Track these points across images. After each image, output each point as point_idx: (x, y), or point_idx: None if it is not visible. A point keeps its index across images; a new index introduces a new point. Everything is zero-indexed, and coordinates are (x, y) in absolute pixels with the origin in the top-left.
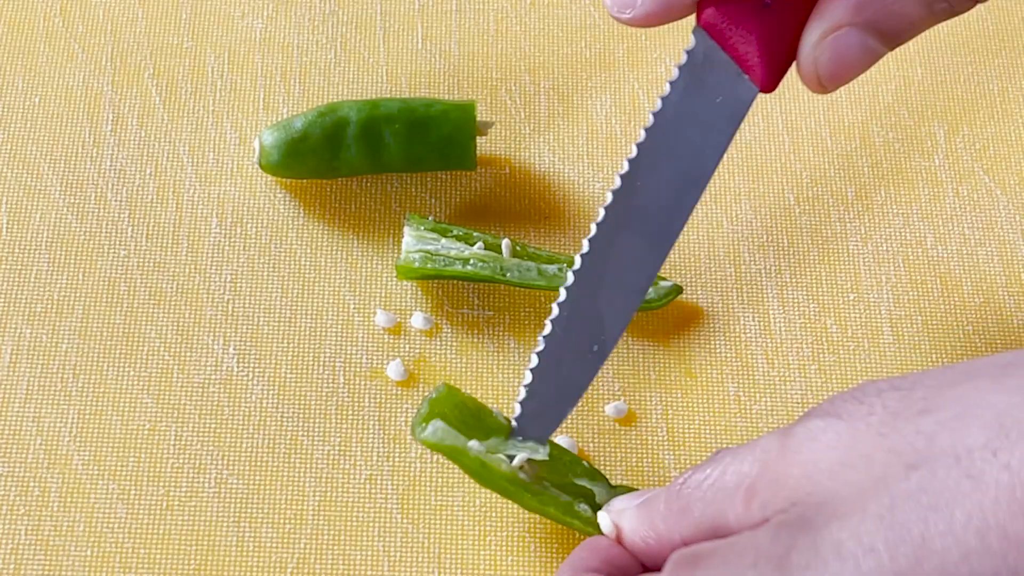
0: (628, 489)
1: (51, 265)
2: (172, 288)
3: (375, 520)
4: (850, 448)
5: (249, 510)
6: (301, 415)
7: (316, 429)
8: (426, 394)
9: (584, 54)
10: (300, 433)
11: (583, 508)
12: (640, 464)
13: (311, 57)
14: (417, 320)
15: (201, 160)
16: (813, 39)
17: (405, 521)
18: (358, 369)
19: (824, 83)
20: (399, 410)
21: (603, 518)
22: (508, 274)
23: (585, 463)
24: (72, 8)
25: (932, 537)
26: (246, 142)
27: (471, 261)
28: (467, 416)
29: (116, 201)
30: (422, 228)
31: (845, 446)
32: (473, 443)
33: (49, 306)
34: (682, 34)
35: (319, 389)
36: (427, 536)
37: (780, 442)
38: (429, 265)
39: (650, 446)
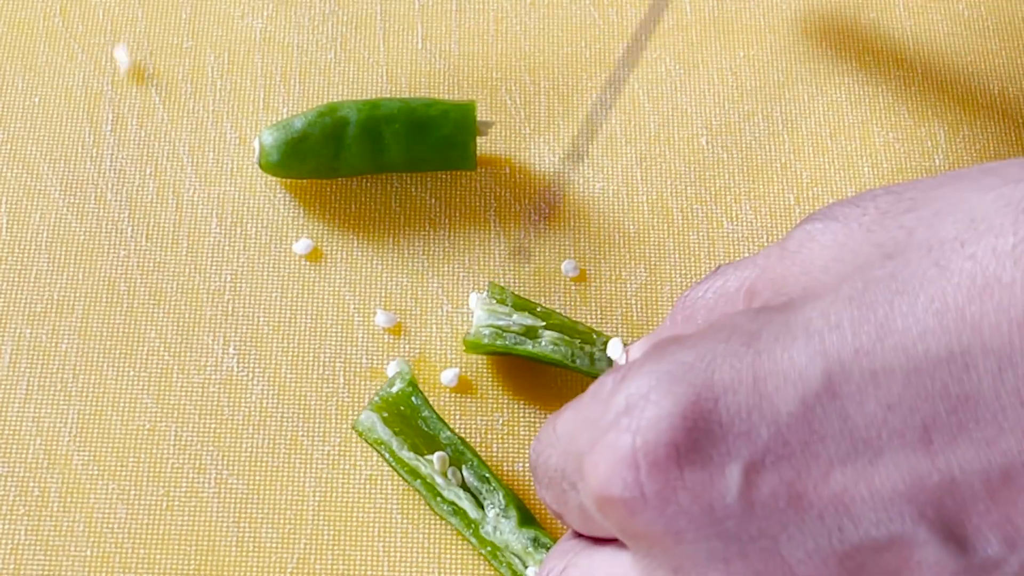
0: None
1: (51, 265)
2: (172, 288)
3: (375, 520)
4: (842, 245)
5: (249, 510)
6: (301, 415)
7: (316, 429)
8: (383, 388)
9: (584, 54)
10: (300, 433)
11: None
12: None
13: (311, 57)
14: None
15: (201, 160)
16: None
17: (405, 521)
18: (358, 369)
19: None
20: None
21: (614, 348)
22: (577, 361)
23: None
24: (72, 8)
25: (895, 317)
26: (246, 142)
27: (542, 343)
28: (408, 426)
29: (116, 201)
30: (494, 302)
31: (839, 244)
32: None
33: (49, 306)
34: (682, 33)
35: (319, 389)
36: (427, 536)
37: (780, 246)
38: (499, 342)
39: None
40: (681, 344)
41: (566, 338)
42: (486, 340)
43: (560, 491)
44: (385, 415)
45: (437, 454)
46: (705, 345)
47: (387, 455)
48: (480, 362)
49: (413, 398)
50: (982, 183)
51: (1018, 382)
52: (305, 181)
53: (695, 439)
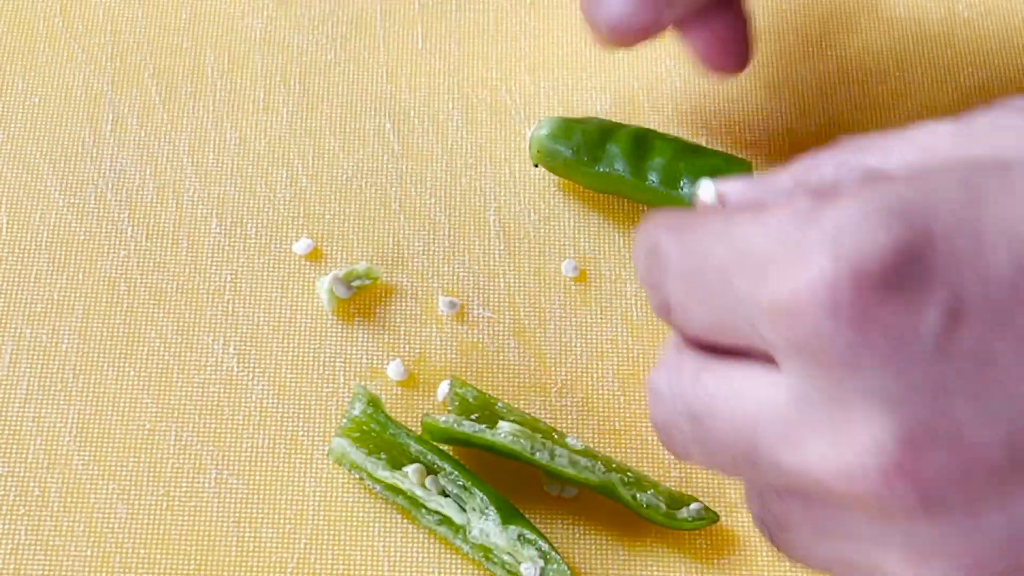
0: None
1: (51, 265)
2: (172, 288)
3: (375, 520)
4: None
5: (249, 510)
6: (301, 415)
7: (316, 429)
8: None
9: (584, 54)
10: (300, 433)
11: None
12: None
13: (311, 57)
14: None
15: (201, 160)
16: None
17: (405, 521)
18: (358, 369)
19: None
20: (399, 410)
21: (706, 185)
22: (537, 455)
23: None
24: (72, 8)
25: None
26: (246, 142)
27: (501, 433)
28: (379, 444)
29: (116, 201)
30: (456, 401)
31: None
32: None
33: (49, 306)
34: None
35: (319, 389)
36: (427, 536)
37: (953, 127)
38: (456, 427)
39: None
40: (896, 180)
41: (526, 430)
42: (442, 424)
43: (712, 291)
44: (356, 435)
45: (412, 466)
46: (928, 184)
47: (365, 478)
48: (479, 361)
49: (377, 416)
50: None
51: None
52: (304, 179)
53: (904, 274)
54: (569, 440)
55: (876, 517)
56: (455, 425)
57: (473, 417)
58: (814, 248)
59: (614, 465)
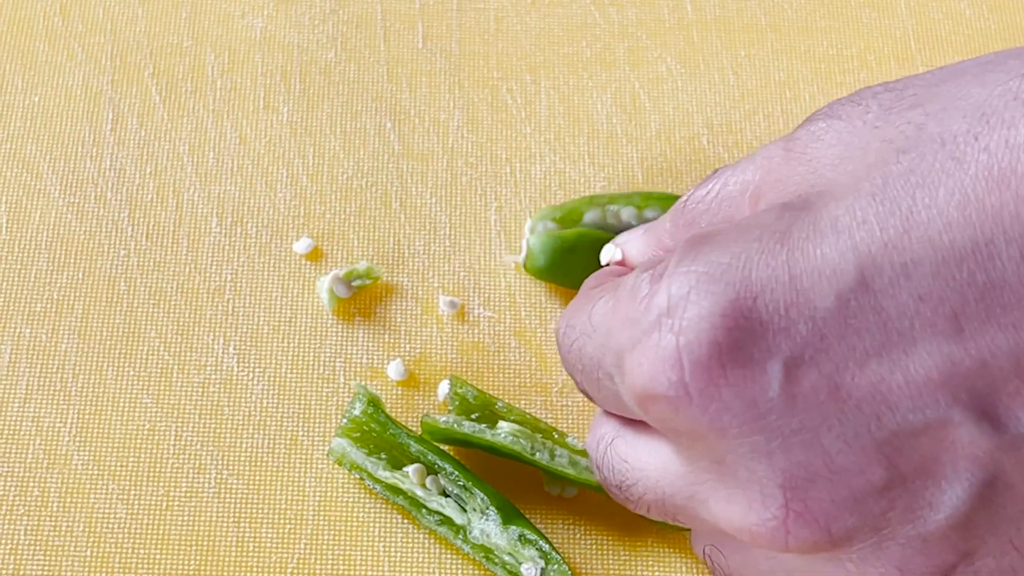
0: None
1: (51, 265)
2: (172, 288)
3: (375, 520)
4: (849, 143)
5: (249, 510)
6: (301, 415)
7: (316, 429)
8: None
9: (584, 54)
10: (300, 433)
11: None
12: None
13: (311, 57)
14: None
15: (201, 160)
16: None
17: (405, 521)
18: (358, 369)
19: None
20: (399, 410)
21: (607, 250)
22: (537, 455)
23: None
24: (72, 7)
25: (918, 210)
26: (246, 142)
27: (501, 434)
28: (380, 443)
29: (116, 201)
30: (456, 400)
31: (844, 142)
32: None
33: (49, 306)
34: (683, 32)
35: (319, 389)
36: (427, 536)
37: (783, 147)
38: (456, 428)
39: None
40: (713, 244)
41: (526, 430)
42: (442, 424)
43: (595, 379)
44: (356, 435)
45: (413, 466)
46: (739, 245)
47: (365, 478)
48: (479, 361)
49: (378, 416)
50: (985, 79)
51: None
52: (304, 178)
53: (736, 337)
54: (569, 440)
55: (797, 555)
56: (455, 425)
57: (474, 416)
58: (655, 329)
59: None
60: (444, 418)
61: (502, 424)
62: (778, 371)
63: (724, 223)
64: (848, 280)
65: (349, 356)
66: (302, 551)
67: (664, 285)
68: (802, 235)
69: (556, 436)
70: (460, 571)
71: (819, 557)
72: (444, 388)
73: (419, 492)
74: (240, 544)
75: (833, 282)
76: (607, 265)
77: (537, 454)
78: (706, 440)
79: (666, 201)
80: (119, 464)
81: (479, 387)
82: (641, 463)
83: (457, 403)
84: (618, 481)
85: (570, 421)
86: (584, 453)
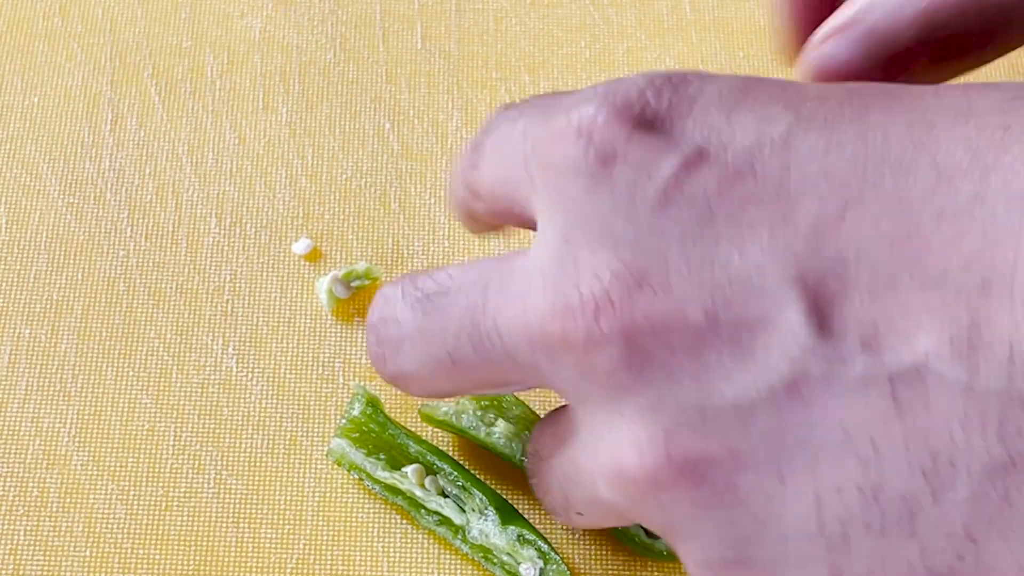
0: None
1: (50, 265)
2: (171, 288)
3: (375, 520)
4: None
5: (248, 510)
6: (300, 415)
7: (316, 429)
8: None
9: (584, 54)
10: (300, 433)
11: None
12: None
13: (310, 57)
14: None
15: (201, 160)
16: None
17: (404, 521)
18: (358, 369)
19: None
20: (399, 410)
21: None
22: (525, 460)
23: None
24: (71, 7)
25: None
26: (245, 142)
27: (496, 434)
28: (379, 444)
29: (116, 201)
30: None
31: None
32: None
33: (48, 306)
34: (682, 32)
35: (319, 389)
36: (427, 536)
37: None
38: (454, 420)
39: None
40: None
41: (524, 433)
42: (440, 416)
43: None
44: (355, 436)
45: (412, 467)
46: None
47: (364, 478)
48: None
49: (377, 416)
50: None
51: None
52: (303, 179)
53: (655, 117)
54: None
55: (585, 371)
56: (452, 418)
57: (484, 404)
58: (588, 95)
59: None
60: (445, 408)
61: (499, 424)
62: (673, 164)
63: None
64: (775, 134)
65: (348, 356)
66: (301, 551)
67: (619, 81)
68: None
69: None
70: (459, 571)
71: (604, 384)
72: None
73: (418, 492)
74: (240, 544)
75: (759, 129)
76: None
77: (524, 459)
78: (569, 207)
79: None
80: (119, 464)
81: None
82: (476, 266)
83: (458, 402)
84: (431, 290)
85: None
86: None
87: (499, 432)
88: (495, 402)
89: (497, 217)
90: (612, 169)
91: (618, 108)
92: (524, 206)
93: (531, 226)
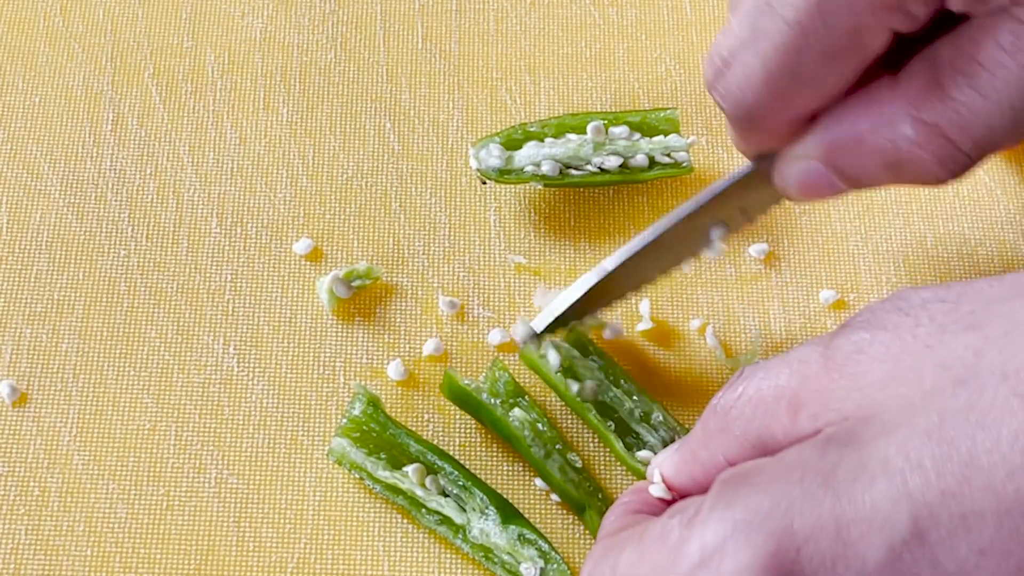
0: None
1: (51, 265)
2: (172, 288)
3: (375, 520)
4: (898, 360)
5: (249, 510)
6: (301, 415)
7: (316, 429)
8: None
9: (584, 54)
10: (300, 433)
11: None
12: None
13: (311, 57)
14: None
15: (201, 160)
16: (786, 159)
17: (405, 521)
18: (358, 369)
19: (794, 197)
20: (399, 410)
21: (649, 472)
22: (534, 448)
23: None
24: (72, 8)
25: (979, 454)
26: (246, 142)
27: (512, 416)
28: (379, 443)
29: (116, 201)
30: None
31: (893, 358)
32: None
33: (49, 306)
34: (682, 32)
35: (319, 389)
36: (427, 536)
37: (822, 353)
38: (474, 393)
39: None
40: (752, 485)
41: (537, 427)
42: (462, 384)
43: None
44: (356, 435)
45: (412, 466)
46: (779, 487)
47: (365, 477)
48: (479, 361)
49: (377, 416)
50: None
51: None
52: (304, 179)
53: None
54: (571, 456)
55: None
56: (473, 391)
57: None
58: None
59: (600, 495)
60: (467, 380)
61: (516, 411)
62: None
63: (762, 436)
64: (901, 531)
65: (349, 356)
66: (302, 551)
67: (697, 532)
68: (849, 477)
69: (560, 447)
70: (459, 570)
71: None
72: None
73: (419, 492)
74: (240, 544)
75: (884, 533)
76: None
77: (534, 448)
78: None
79: (579, 119)
80: (119, 464)
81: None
82: None
83: (488, 385)
84: None
85: (572, 432)
86: (579, 472)
87: (516, 416)
88: (509, 400)
89: None
90: None
91: None
92: None
93: None
